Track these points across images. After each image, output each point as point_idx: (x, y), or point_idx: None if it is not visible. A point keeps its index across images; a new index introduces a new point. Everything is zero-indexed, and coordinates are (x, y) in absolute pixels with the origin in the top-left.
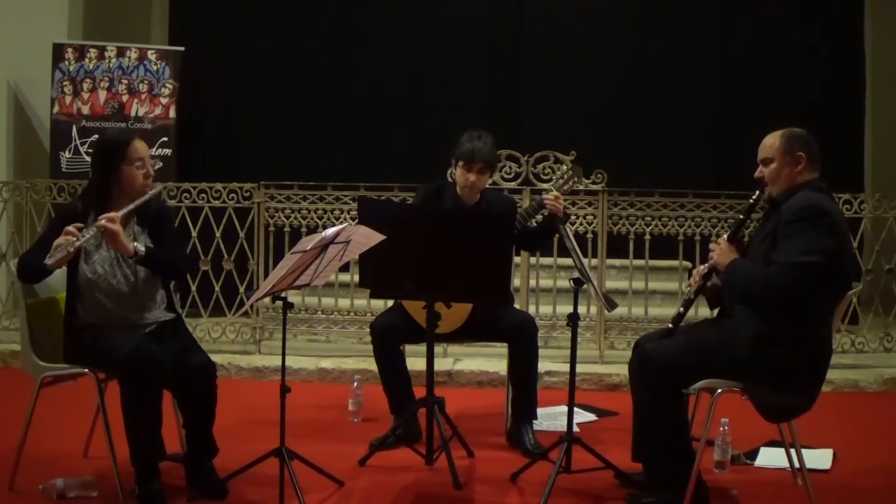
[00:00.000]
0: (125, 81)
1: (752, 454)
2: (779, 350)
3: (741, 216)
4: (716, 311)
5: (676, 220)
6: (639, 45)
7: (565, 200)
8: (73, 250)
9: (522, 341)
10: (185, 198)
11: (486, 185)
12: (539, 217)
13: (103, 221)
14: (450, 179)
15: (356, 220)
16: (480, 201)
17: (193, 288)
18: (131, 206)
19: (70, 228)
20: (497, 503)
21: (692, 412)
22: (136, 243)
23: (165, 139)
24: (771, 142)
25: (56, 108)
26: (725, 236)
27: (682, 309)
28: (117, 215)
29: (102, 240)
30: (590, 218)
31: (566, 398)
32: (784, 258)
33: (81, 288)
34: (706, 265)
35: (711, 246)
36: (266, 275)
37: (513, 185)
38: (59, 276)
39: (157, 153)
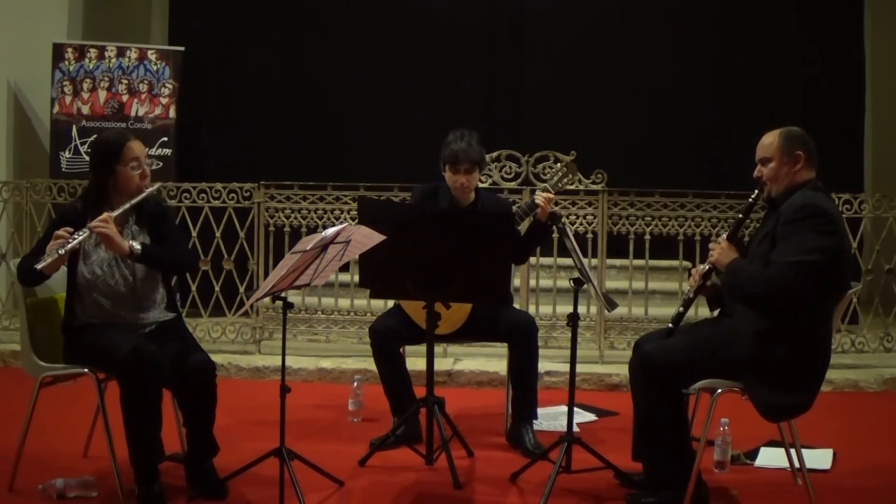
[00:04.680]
0: (125, 81)
1: (752, 454)
2: (779, 349)
3: (740, 215)
4: (716, 312)
5: (676, 220)
6: (639, 45)
7: (565, 200)
8: (65, 253)
9: (522, 341)
10: (185, 198)
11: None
12: (531, 218)
13: (96, 223)
14: None
15: (356, 220)
16: (476, 201)
17: (193, 288)
18: (126, 206)
19: (60, 232)
20: (497, 503)
21: (692, 412)
22: (132, 242)
23: (165, 139)
24: (769, 141)
25: (56, 108)
26: (725, 235)
27: (681, 308)
28: (111, 216)
29: (98, 241)
30: (590, 218)
31: (566, 398)
32: (784, 258)
33: (80, 288)
34: (706, 264)
35: (711, 245)
36: (266, 275)
37: (513, 184)
38: (59, 277)
39: (156, 153)
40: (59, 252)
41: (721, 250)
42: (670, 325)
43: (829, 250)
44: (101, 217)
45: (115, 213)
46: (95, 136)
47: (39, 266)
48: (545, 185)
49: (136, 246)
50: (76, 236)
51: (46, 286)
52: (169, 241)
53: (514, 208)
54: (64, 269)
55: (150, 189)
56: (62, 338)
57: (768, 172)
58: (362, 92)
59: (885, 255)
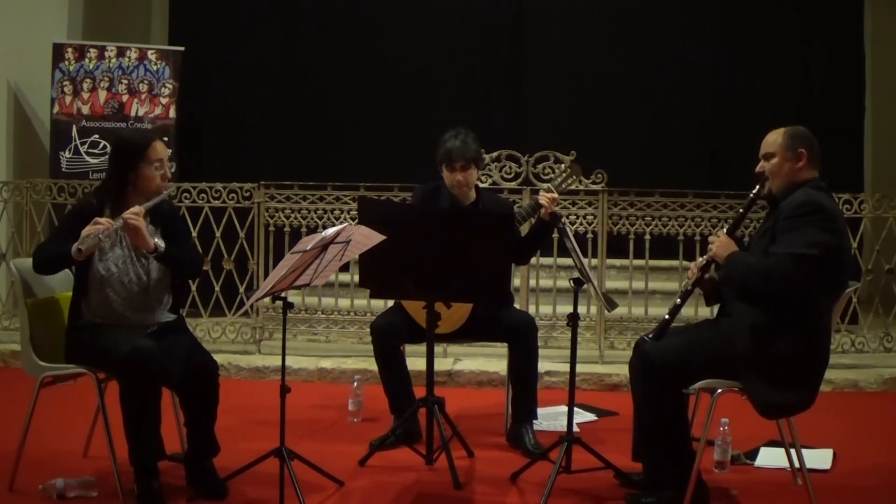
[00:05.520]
0: (125, 81)
1: (752, 454)
2: (776, 345)
3: (741, 210)
4: (715, 311)
5: (676, 220)
6: (639, 45)
7: (565, 200)
8: (103, 238)
9: (522, 341)
10: (185, 198)
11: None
12: (532, 220)
13: (129, 214)
14: None
15: (356, 220)
16: (478, 201)
17: (193, 288)
18: (149, 204)
19: (101, 220)
20: (497, 503)
21: (692, 412)
22: (156, 239)
23: (165, 139)
24: (774, 138)
25: (56, 108)
26: (725, 230)
27: (678, 301)
28: (141, 210)
29: (118, 237)
30: (590, 218)
31: (566, 398)
32: (783, 250)
33: (91, 285)
34: (705, 257)
35: (711, 238)
36: (266, 275)
37: (513, 184)
38: (61, 276)
39: None
40: (100, 236)
41: (720, 243)
42: (667, 316)
43: (829, 246)
44: (132, 210)
45: (143, 207)
46: (112, 134)
47: (83, 246)
48: (549, 185)
49: (161, 244)
50: (113, 225)
51: (47, 286)
52: (181, 244)
53: (517, 209)
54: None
55: (168, 191)
56: (63, 337)
57: (770, 168)
58: (362, 91)
59: (885, 255)
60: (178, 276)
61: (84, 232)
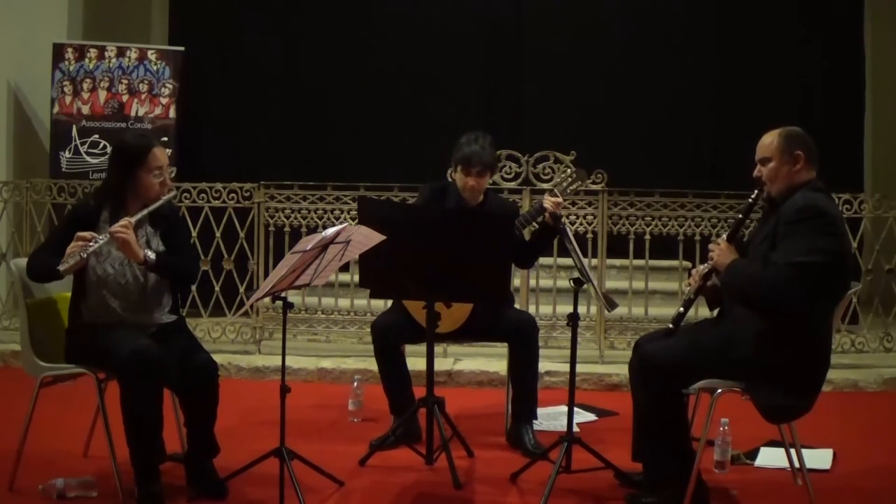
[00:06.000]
0: (125, 81)
1: (752, 454)
2: (780, 351)
3: (740, 216)
4: (716, 312)
5: (676, 220)
6: (639, 45)
7: (564, 199)
8: (86, 256)
9: (523, 341)
10: (185, 198)
11: (488, 185)
12: (536, 224)
13: (117, 228)
14: (449, 179)
15: (356, 220)
16: (484, 202)
17: (193, 288)
18: (144, 213)
19: (83, 235)
20: (497, 503)
21: (692, 412)
22: (146, 250)
23: (165, 139)
24: (769, 141)
25: (56, 108)
26: (724, 236)
27: (682, 309)
28: (131, 222)
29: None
30: (590, 218)
31: (566, 398)
32: (783, 259)
33: (89, 286)
34: (705, 265)
35: (711, 246)
36: (266, 275)
37: (513, 184)
38: None
39: None
40: (82, 255)
41: (720, 251)
42: (671, 325)
43: (830, 251)
44: (121, 223)
45: (134, 219)
46: (118, 135)
47: (62, 268)
48: (553, 189)
49: (151, 255)
50: (98, 240)
51: (44, 286)
52: (180, 249)
53: (521, 213)
54: None
55: (166, 196)
56: (64, 338)
57: (768, 172)
58: (362, 91)
59: (885, 255)
60: (173, 284)
61: (68, 250)
